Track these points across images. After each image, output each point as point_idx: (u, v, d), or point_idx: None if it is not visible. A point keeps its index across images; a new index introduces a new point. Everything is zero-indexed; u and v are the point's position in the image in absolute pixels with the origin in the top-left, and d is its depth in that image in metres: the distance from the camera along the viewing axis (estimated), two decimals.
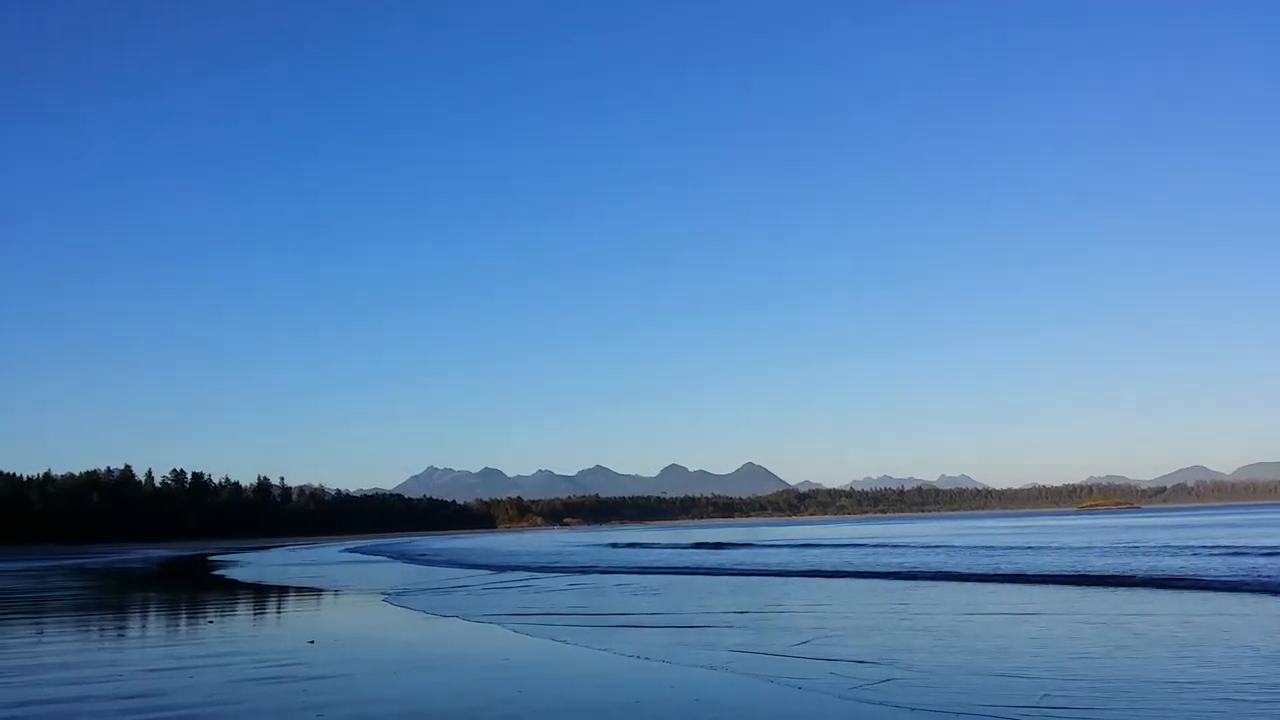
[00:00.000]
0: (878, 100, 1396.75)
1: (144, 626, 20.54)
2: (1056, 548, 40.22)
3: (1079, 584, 23.22)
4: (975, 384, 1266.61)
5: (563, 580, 31.35)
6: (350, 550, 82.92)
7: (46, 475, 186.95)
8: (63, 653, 15.31)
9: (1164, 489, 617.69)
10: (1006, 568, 28.46)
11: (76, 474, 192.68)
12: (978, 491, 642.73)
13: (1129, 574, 24.55)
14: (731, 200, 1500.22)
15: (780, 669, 11.58)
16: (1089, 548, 39.32)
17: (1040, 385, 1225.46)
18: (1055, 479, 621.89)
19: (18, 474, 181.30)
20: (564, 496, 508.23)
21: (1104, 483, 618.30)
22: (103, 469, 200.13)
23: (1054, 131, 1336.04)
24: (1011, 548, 41.51)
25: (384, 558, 59.24)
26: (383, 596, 26.69)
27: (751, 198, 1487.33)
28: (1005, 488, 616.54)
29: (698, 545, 56.50)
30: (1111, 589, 21.83)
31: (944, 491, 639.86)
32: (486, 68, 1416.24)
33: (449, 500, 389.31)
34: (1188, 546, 37.15)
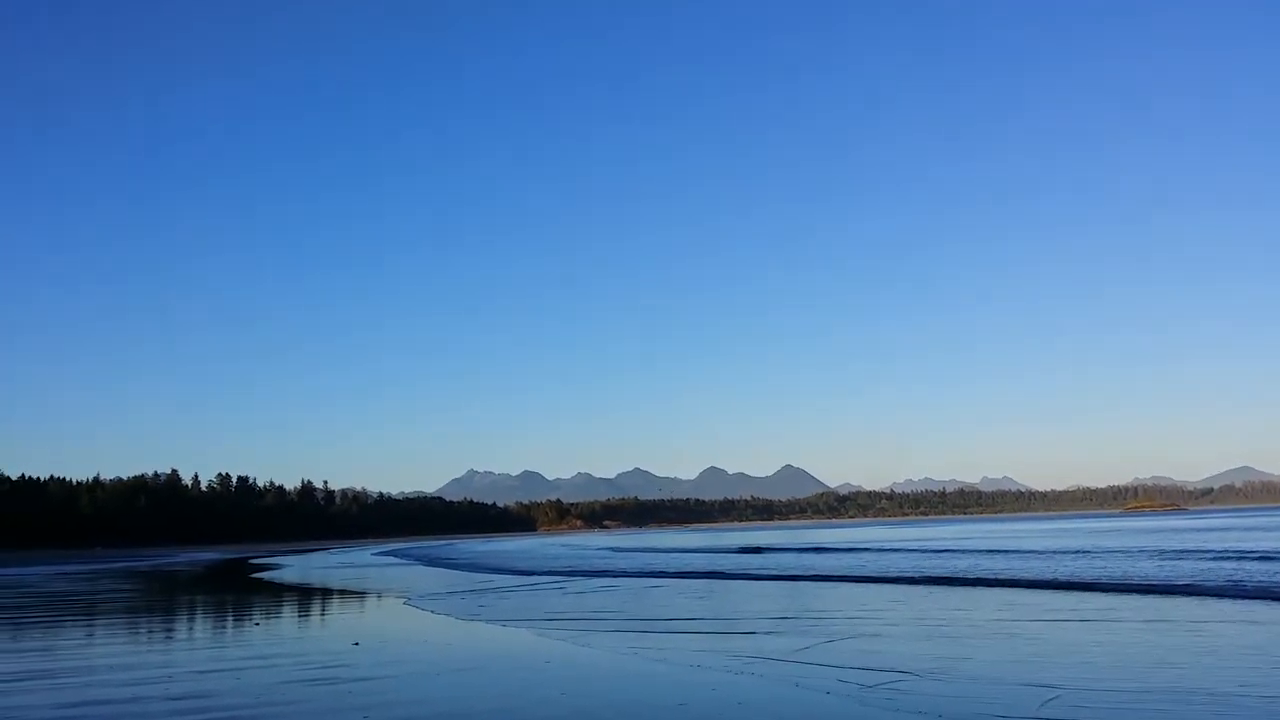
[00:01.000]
0: (906, 94, 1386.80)
1: (191, 628, 20.88)
2: (1106, 551, 39.60)
3: (1138, 592, 22.86)
4: (1018, 384, 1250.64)
5: (602, 584, 31.43)
6: (389, 553, 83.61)
7: (96, 479, 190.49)
8: (114, 654, 15.61)
9: (1211, 490, 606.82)
10: (1061, 574, 28.06)
11: (125, 478, 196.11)
12: (1020, 493, 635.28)
13: (1200, 582, 24.17)
14: (769, 200, 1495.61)
15: (822, 676, 11.54)
16: (1142, 550, 38.74)
17: (1084, 385, 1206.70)
18: (1099, 480, 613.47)
19: (68, 478, 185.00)
20: (603, 499, 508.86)
21: (1149, 484, 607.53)
22: (150, 473, 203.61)
23: (1111, 125, 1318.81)
24: (1061, 551, 41.00)
25: (422, 561, 59.67)
26: (423, 599, 26.91)
27: (788, 197, 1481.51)
28: (1048, 489, 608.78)
29: (742, 550, 56.30)
30: (1178, 598, 21.51)
31: (986, 493, 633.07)
32: (535, 61, 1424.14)
33: (489, 503, 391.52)
34: (1232, 550, 36.47)
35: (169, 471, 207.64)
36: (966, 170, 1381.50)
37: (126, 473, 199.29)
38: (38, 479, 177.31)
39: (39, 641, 17.78)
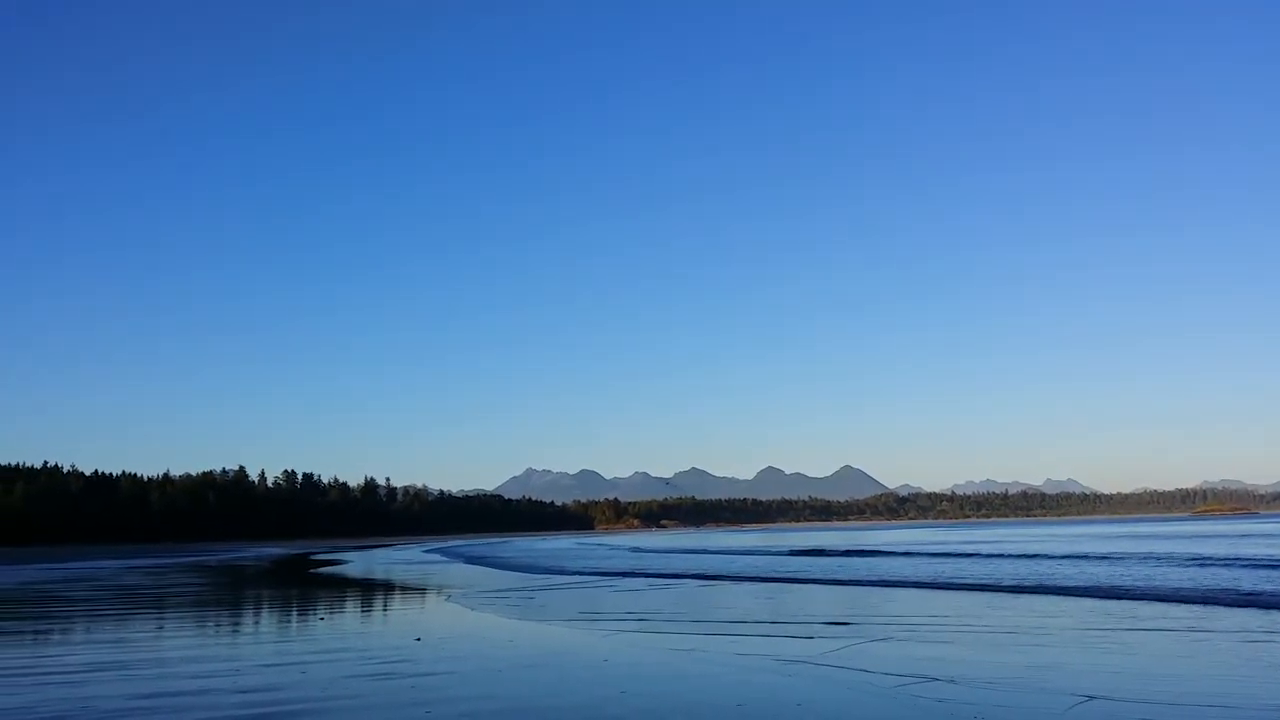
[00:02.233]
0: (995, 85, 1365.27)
1: (258, 622, 21.30)
2: (1190, 558, 38.47)
3: (1225, 604, 22.26)
4: (1083, 385, 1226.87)
5: (656, 584, 31.45)
6: (446, 550, 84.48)
7: (166, 476, 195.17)
8: (183, 646, 15.97)
9: None
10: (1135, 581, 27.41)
11: (194, 474, 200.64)
12: (1085, 496, 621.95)
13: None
14: (831, 200, 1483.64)
15: (878, 681, 11.42)
16: (1206, 558, 37.73)
17: (1151, 386, 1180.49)
18: (1167, 483, 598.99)
19: (139, 474, 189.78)
20: (660, 498, 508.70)
21: (1219, 487, 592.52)
22: (218, 470, 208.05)
23: (1174, 126, 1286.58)
24: (1129, 557, 40.07)
25: (479, 560, 60.16)
26: (482, 596, 27.16)
27: (851, 198, 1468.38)
28: (1114, 492, 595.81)
29: (799, 552, 55.93)
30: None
31: (1050, 496, 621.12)
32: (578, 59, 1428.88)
33: (548, 501, 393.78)
34: None
35: (236, 468, 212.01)
36: (1033, 172, 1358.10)
37: (195, 469, 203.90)
38: (111, 475, 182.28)
39: (111, 633, 18.24)
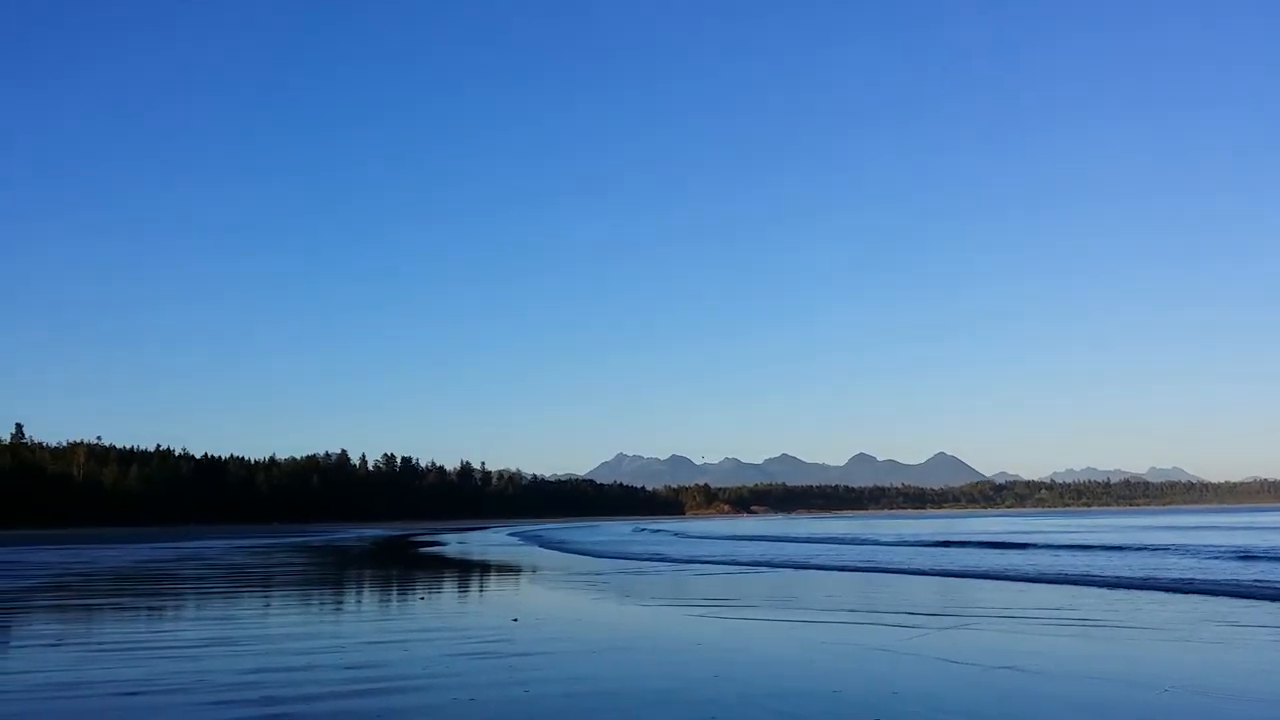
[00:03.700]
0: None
1: (360, 601, 21.89)
2: None
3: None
4: (1188, 369, 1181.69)
5: (750, 571, 31.38)
6: (541, 532, 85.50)
7: (272, 459, 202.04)
8: (289, 624, 16.51)
9: None
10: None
11: (298, 458, 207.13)
12: (1191, 485, 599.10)
13: None
14: (936, 186, 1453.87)
15: (972, 671, 11.21)
16: None
17: (1261, 369, 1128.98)
18: (1279, 472, 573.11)
19: (247, 458, 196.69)
20: (751, 484, 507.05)
21: None
22: (321, 453, 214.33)
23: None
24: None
25: (572, 544, 60.73)
26: (574, 579, 27.45)
27: (955, 183, 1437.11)
28: (1222, 480, 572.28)
29: (899, 544, 55.13)
30: None
31: (1154, 485, 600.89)
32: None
33: (639, 486, 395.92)
34: None
35: (339, 452, 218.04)
36: (1148, 162, 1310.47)
37: (300, 453, 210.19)
38: (219, 458, 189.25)
39: (221, 610, 18.96)
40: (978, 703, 9.28)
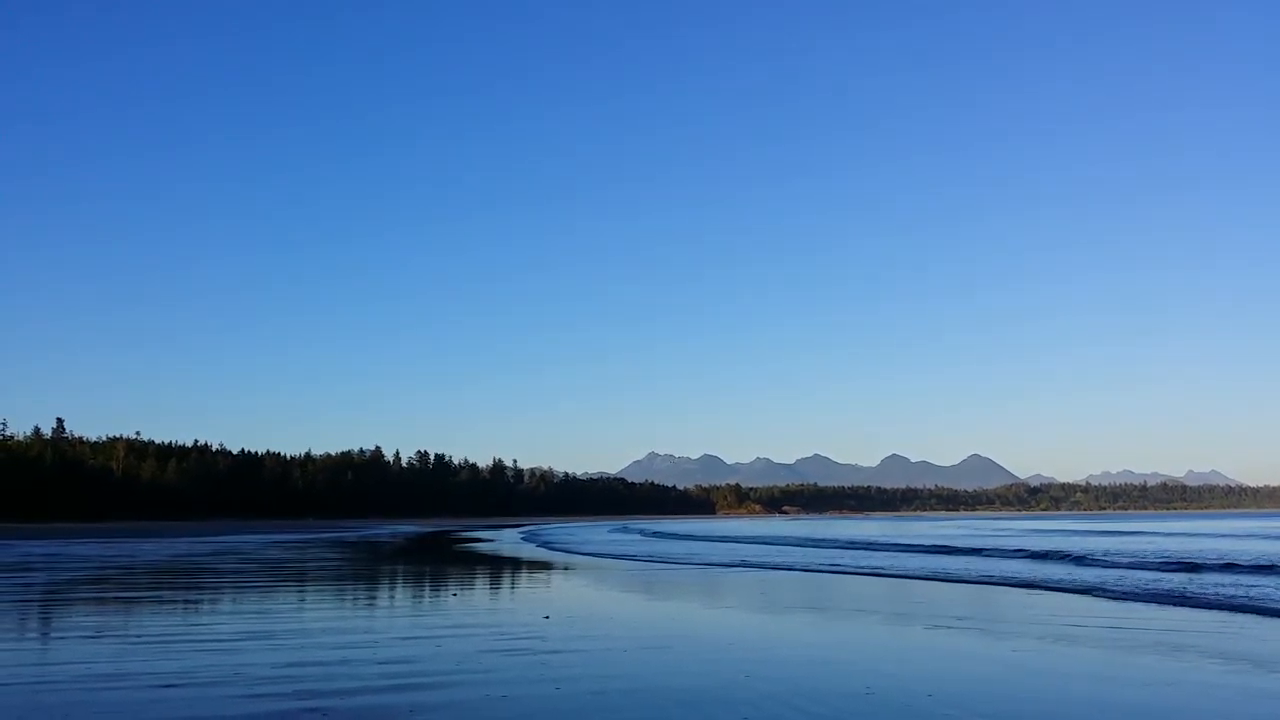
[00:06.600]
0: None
1: (394, 596, 22.08)
2: None
3: None
4: (1227, 371, 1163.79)
5: (782, 572, 31.34)
6: (570, 530, 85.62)
7: (307, 455, 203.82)
8: (324, 618, 16.67)
9: None
10: None
11: (333, 454, 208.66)
12: (1230, 488, 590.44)
13: None
14: (965, 189, 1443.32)
15: (1006, 674, 11.14)
16: None
17: None
18: None
19: (283, 454, 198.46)
20: (782, 484, 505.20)
21: None
22: (356, 450, 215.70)
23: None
24: None
25: (600, 543, 60.76)
26: (607, 577, 27.52)
27: (980, 181, 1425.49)
28: (1261, 485, 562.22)
29: (932, 549, 54.71)
30: None
31: (1191, 488, 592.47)
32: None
33: (670, 485, 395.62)
34: None
35: (373, 448, 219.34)
36: (1177, 163, 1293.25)
37: (335, 449, 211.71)
38: (256, 454, 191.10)
39: (257, 604, 19.19)
40: (1010, 704, 9.23)
